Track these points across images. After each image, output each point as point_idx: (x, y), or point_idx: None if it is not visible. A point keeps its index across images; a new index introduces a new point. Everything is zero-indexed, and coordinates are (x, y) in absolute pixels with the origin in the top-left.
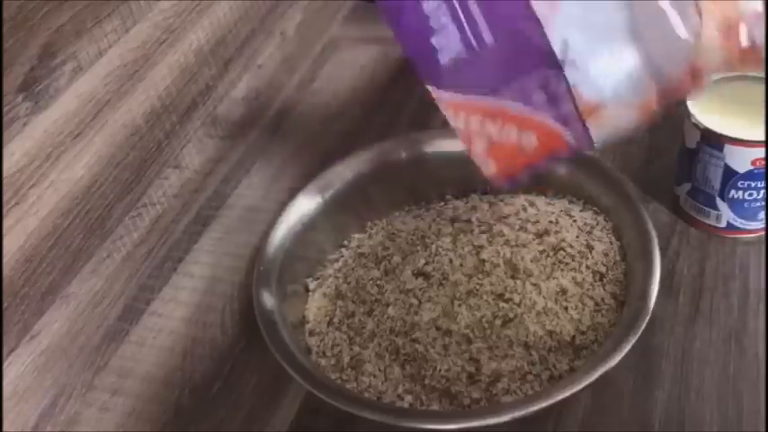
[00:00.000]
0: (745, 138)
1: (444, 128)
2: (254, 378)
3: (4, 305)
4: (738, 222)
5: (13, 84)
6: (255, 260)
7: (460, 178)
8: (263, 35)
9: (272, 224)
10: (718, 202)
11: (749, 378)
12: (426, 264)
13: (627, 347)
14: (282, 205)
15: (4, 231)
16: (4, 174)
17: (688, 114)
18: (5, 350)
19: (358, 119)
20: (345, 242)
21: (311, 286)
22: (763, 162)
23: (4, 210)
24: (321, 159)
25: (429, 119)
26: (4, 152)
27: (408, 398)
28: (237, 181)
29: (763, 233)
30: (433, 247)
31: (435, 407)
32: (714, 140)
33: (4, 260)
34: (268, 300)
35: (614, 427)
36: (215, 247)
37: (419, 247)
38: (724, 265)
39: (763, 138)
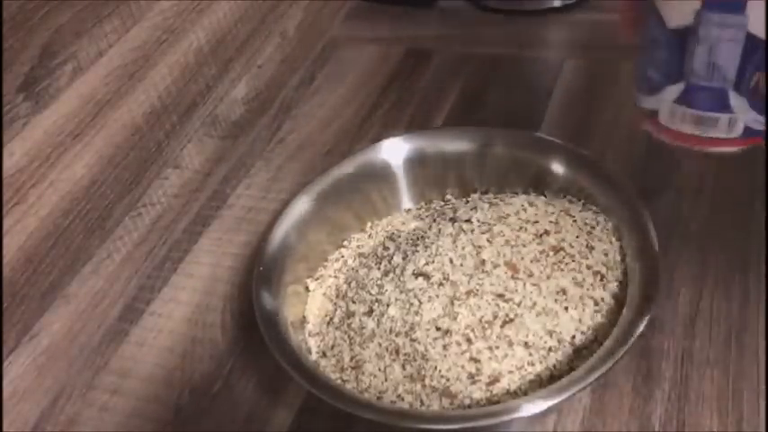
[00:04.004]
0: None
1: (444, 128)
2: (254, 378)
3: (4, 305)
4: (760, 124)
5: (13, 84)
6: (255, 260)
7: (460, 178)
8: (263, 35)
9: (272, 224)
10: (733, 97)
11: (749, 378)
12: (426, 264)
13: (627, 347)
14: (282, 205)
15: (5, 231)
16: (4, 174)
17: None
18: (5, 350)
19: (358, 118)
20: (345, 242)
21: (311, 286)
22: None
23: (5, 210)
24: (321, 159)
25: (429, 119)
26: (4, 152)
27: (408, 398)
28: (237, 181)
29: None
30: (433, 247)
31: (435, 407)
32: None
33: (5, 260)
34: (268, 300)
35: (614, 427)
36: (215, 247)
37: (419, 247)
38: (724, 264)
39: None
